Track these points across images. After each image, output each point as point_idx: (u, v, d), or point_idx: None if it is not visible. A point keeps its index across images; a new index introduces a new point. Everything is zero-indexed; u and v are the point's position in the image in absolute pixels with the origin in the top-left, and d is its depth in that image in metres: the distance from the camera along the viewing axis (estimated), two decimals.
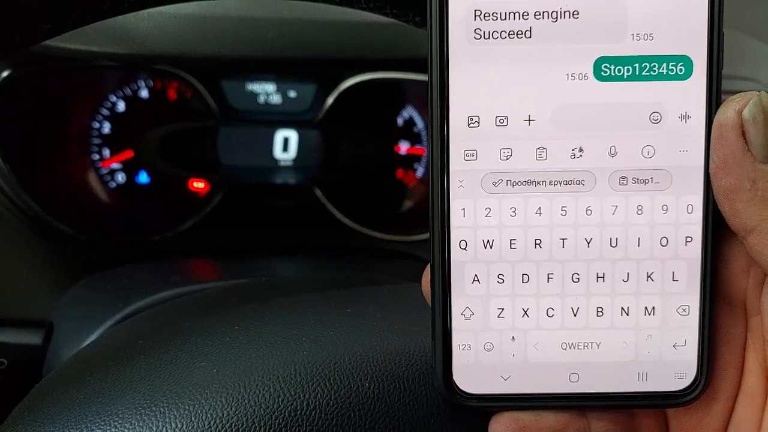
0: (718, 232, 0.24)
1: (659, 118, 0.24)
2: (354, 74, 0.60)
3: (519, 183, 0.25)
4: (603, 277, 0.25)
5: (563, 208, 0.25)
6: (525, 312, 0.25)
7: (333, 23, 0.55)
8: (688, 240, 0.25)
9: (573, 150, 0.24)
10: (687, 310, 0.25)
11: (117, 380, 0.28)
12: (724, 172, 0.23)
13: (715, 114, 0.23)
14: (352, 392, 0.27)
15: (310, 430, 0.26)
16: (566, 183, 0.24)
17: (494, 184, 0.25)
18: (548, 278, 0.25)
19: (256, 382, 0.27)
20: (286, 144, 0.63)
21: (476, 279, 0.25)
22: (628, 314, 0.25)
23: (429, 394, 0.28)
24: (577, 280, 0.25)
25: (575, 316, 0.25)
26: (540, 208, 0.25)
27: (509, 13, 0.24)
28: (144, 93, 0.63)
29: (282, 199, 0.66)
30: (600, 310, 0.25)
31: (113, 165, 0.64)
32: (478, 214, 0.25)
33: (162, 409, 0.26)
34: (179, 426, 0.26)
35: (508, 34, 0.24)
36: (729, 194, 0.23)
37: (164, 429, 0.26)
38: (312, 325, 0.31)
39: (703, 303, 0.25)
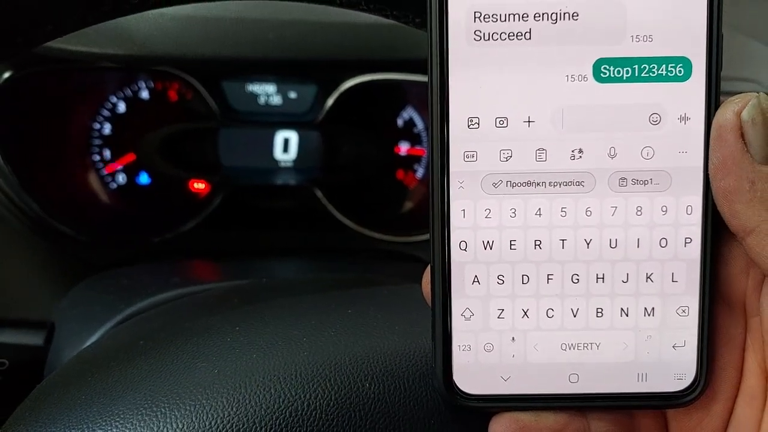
0: (717, 233, 0.25)
1: (659, 119, 0.24)
2: (354, 75, 0.60)
3: (519, 184, 0.25)
4: (603, 278, 0.25)
5: (563, 209, 0.25)
6: (525, 313, 0.25)
7: (333, 24, 0.55)
8: (687, 241, 0.25)
9: (573, 151, 0.24)
10: (686, 311, 0.25)
11: (118, 381, 0.28)
12: (723, 173, 0.23)
13: (714, 115, 0.23)
14: (352, 393, 0.27)
15: (311, 431, 0.26)
16: (566, 184, 0.25)
17: (494, 185, 0.25)
18: (548, 279, 0.25)
19: (257, 382, 0.27)
20: (286, 145, 0.63)
21: (476, 280, 0.25)
22: (627, 315, 0.25)
23: (429, 395, 0.28)
24: (576, 280, 0.25)
25: (575, 316, 0.25)
26: (540, 209, 0.25)
27: (509, 14, 0.24)
28: (145, 94, 0.63)
29: (282, 200, 0.66)
30: (600, 310, 0.25)
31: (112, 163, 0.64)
32: (478, 215, 0.25)
33: (163, 410, 0.26)
34: (180, 426, 0.26)
35: (508, 36, 0.24)
36: (728, 195, 0.23)
37: (165, 429, 0.26)
38: (313, 325, 0.31)
39: (703, 304, 0.25)
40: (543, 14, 0.24)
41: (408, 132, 0.67)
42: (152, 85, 0.63)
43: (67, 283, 0.58)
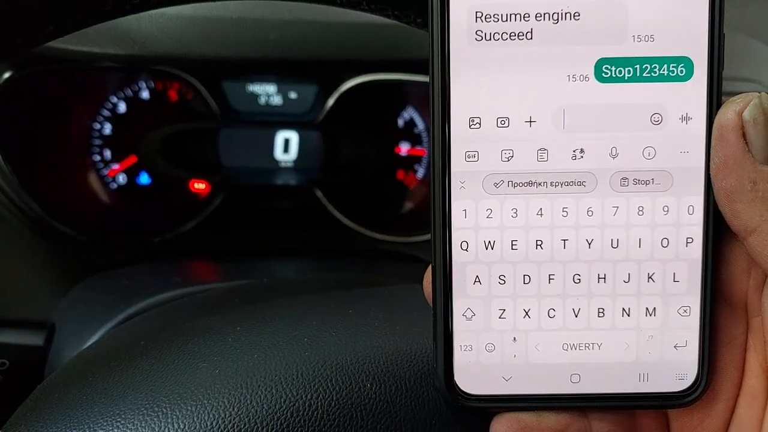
0: (718, 233, 0.25)
1: (660, 119, 0.24)
2: (355, 75, 0.60)
3: (520, 184, 0.25)
4: (604, 278, 0.25)
5: (564, 209, 0.25)
6: (526, 313, 0.25)
7: (334, 24, 0.55)
8: (689, 241, 0.25)
9: (574, 151, 0.24)
10: (688, 311, 0.25)
11: (119, 381, 0.28)
12: (724, 173, 0.23)
13: (715, 115, 0.23)
14: (353, 393, 0.27)
15: (312, 431, 0.26)
16: (567, 184, 0.25)
17: (495, 185, 0.25)
18: (549, 279, 0.25)
19: (258, 382, 0.27)
20: (286, 145, 0.63)
21: (477, 280, 0.25)
22: (629, 315, 0.25)
23: (430, 395, 0.28)
24: (578, 280, 0.25)
25: (576, 316, 0.25)
26: (541, 209, 0.25)
27: (510, 14, 0.24)
28: (145, 94, 0.63)
29: (283, 201, 0.66)
30: (601, 310, 0.25)
31: (114, 166, 0.64)
32: (480, 215, 0.25)
33: (164, 410, 0.26)
34: (182, 426, 0.26)
35: (509, 36, 0.24)
36: (729, 195, 0.23)
37: (166, 429, 0.26)
38: (313, 326, 0.31)
39: (704, 304, 0.25)
40: (544, 14, 0.24)
41: (408, 132, 0.67)
42: (153, 85, 0.63)
43: (68, 283, 0.58)
